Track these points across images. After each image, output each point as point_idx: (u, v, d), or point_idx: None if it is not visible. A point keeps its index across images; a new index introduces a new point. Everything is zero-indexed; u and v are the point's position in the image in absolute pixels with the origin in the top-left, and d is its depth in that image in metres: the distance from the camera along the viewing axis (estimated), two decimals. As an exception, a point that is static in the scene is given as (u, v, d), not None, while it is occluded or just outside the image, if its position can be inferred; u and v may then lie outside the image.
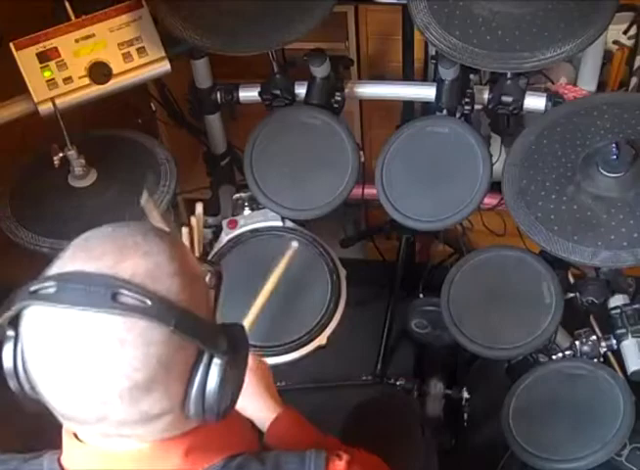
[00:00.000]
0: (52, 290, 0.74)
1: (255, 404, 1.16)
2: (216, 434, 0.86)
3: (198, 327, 0.77)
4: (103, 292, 0.73)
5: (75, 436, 0.83)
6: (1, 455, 0.89)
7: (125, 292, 0.74)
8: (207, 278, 0.87)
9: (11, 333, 0.77)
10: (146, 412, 0.77)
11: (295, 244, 1.65)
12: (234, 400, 0.84)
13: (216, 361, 0.79)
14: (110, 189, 1.68)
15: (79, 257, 0.78)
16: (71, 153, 1.60)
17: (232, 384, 0.82)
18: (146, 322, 0.74)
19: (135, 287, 0.75)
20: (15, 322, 0.77)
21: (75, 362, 0.74)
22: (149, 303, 0.74)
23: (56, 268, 0.78)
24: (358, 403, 1.49)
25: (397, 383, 1.82)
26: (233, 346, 0.81)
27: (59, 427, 0.84)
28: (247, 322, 1.51)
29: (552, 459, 1.55)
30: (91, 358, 0.73)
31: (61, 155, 1.59)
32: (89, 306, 0.73)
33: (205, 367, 0.78)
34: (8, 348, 0.78)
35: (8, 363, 0.79)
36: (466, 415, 1.86)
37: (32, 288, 0.75)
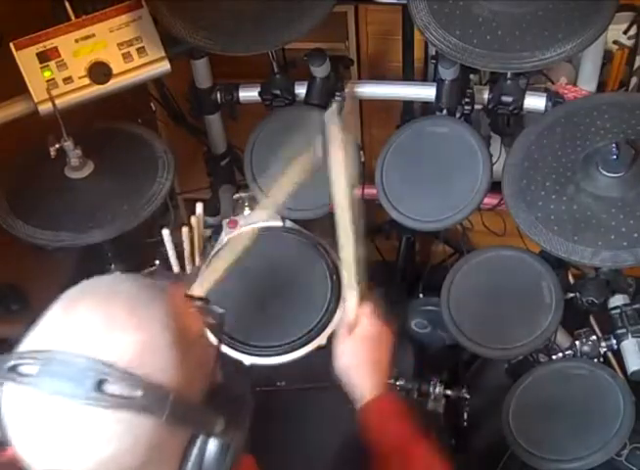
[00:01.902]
0: (32, 370, 0.69)
1: (358, 376, 1.11)
2: None
3: (191, 413, 0.73)
4: (87, 381, 0.68)
5: None
6: None
7: (111, 380, 0.68)
8: (209, 322, 0.80)
9: None
10: None
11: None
12: (235, 465, 0.79)
13: (212, 441, 0.75)
14: (106, 181, 1.67)
15: (64, 329, 0.72)
16: (68, 144, 1.59)
17: (230, 455, 0.77)
18: (135, 415, 0.69)
19: (122, 374, 0.68)
20: None
21: (58, 452, 0.70)
22: (138, 393, 0.68)
23: (38, 339, 0.72)
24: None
25: (397, 383, 1.82)
26: (231, 415, 0.76)
27: None
28: (248, 318, 1.49)
29: (552, 459, 1.54)
30: (74, 451, 0.69)
31: (57, 146, 1.58)
32: (72, 398, 0.68)
33: (201, 448, 0.75)
34: None
35: None
36: (466, 415, 1.85)
37: (11, 363, 0.70)
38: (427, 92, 1.76)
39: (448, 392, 1.85)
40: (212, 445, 0.75)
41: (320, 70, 1.74)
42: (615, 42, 1.83)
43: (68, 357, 0.69)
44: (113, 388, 0.68)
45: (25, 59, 1.61)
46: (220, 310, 0.82)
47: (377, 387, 1.10)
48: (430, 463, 1.05)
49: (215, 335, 0.82)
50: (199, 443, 0.75)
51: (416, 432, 1.07)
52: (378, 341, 1.13)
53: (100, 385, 0.68)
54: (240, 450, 0.79)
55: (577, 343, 1.65)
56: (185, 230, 1.66)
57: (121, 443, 0.69)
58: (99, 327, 0.71)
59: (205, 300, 0.84)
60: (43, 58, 1.62)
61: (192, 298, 0.84)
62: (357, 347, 1.12)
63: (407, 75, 1.98)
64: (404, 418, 1.08)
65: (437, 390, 1.85)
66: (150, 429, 0.70)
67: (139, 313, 0.73)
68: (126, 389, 0.68)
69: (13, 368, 0.70)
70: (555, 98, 1.68)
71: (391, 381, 1.83)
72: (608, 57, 1.81)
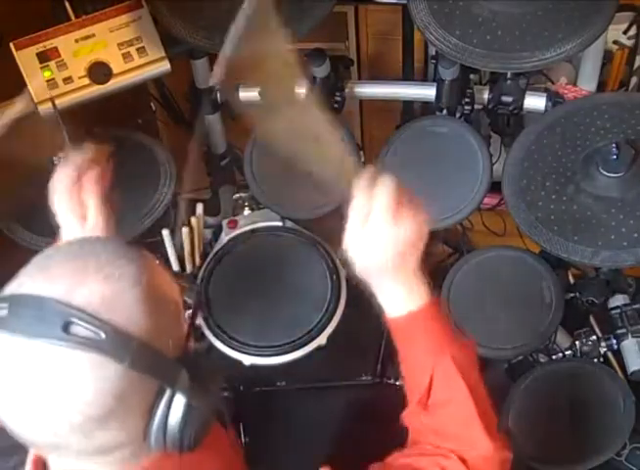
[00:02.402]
0: (3, 313, 0.71)
1: (385, 279, 0.92)
2: (183, 463, 0.82)
3: (156, 363, 0.73)
4: (55, 321, 0.69)
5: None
6: None
7: (78, 322, 0.70)
8: (186, 297, 0.82)
9: None
10: (101, 445, 0.74)
11: None
12: (201, 433, 0.78)
13: (179, 397, 0.75)
14: (109, 188, 1.67)
15: (37, 275, 0.74)
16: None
17: (197, 418, 0.77)
18: (99, 357, 0.70)
19: (88, 317, 0.70)
20: None
21: (26, 393, 0.71)
22: (102, 335, 0.70)
23: (13, 285, 0.74)
24: (364, 403, 1.49)
25: (397, 383, 1.82)
26: (198, 377, 0.76)
27: None
28: (248, 318, 1.49)
29: (552, 459, 1.55)
30: (41, 391, 0.70)
31: (61, 154, 1.59)
32: (39, 337, 0.69)
33: (167, 404, 0.75)
34: None
35: None
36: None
37: None
38: (427, 92, 1.76)
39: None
40: (178, 404, 0.75)
41: (320, 71, 1.74)
42: (615, 42, 1.83)
43: (37, 300, 0.71)
44: (78, 329, 0.70)
45: (25, 59, 1.61)
46: (196, 286, 0.83)
47: (410, 292, 0.93)
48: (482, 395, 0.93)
49: (191, 308, 0.83)
50: (164, 400, 0.74)
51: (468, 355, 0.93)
52: (403, 226, 0.90)
53: (67, 326, 0.69)
54: (208, 417, 0.79)
55: (577, 343, 1.65)
56: (185, 230, 1.66)
57: (86, 386, 0.70)
58: (69, 276, 0.73)
59: (183, 277, 0.84)
60: (43, 58, 1.62)
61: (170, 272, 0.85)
62: (376, 239, 0.88)
63: (407, 75, 1.98)
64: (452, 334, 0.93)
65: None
66: (113, 374, 0.70)
67: (111, 267, 0.74)
68: (92, 331, 0.70)
69: None
70: (555, 98, 1.68)
71: (392, 381, 1.84)
72: (608, 57, 1.81)
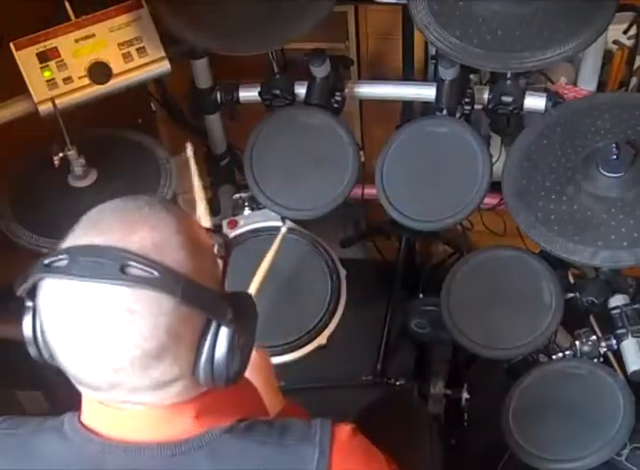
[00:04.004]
0: (64, 263, 0.77)
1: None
2: (227, 398, 0.88)
3: (204, 297, 0.80)
4: (112, 264, 0.76)
5: (95, 400, 0.86)
6: (19, 417, 0.92)
7: (133, 264, 0.76)
8: (216, 249, 0.90)
9: (29, 304, 0.82)
10: (156, 379, 0.79)
11: (284, 229, 1.66)
12: (243, 367, 0.87)
13: (224, 330, 0.81)
14: (109, 189, 1.67)
15: (90, 230, 0.81)
16: (71, 153, 1.61)
17: (240, 351, 0.84)
18: (153, 293, 0.76)
19: (142, 259, 0.77)
20: (32, 293, 0.81)
21: (88, 332, 0.77)
22: (156, 274, 0.77)
23: (69, 241, 0.81)
24: (367, 402, 1.49)
25: (397, 383, 1.82)
26: (240, 313, 0.84)
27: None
28: None
29: (552, 459, 1.54)
30: (102, 328, 0.76)
31: (61, 155, 1.59)
32: (99, 279, 0.76)
33: (213, 336, 0.81)
34: (27, 318, 0.83)
35: (28, 332, 0.83)
36: (466, 415, 1.86)
37: (46, 261, 0.79)
38: (427, 92, 1.76)
39: (448, 392, 1.86)
40: (223, 337, 0.81)
41: (320, 70, 1.74)
42: (615, 42, 1.83)
43: (95, 248, 0.78)
44: (134, 271, 0.77)
45: (25, 59, 1.61)
46: (225, 234, 0.90)
47: (279, 401, 1.16)
48: None
49: (222, 258, 0.91)
50: (211, 333, 0.80)
51: None
52: (260, 364, 1.17)
53: (123, 268, 0.76)
54: (249, 353, 0.88)
55: (577, 343, 1.65)
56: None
57: (143, 320, 0.76)
58: (120, 228, 0.80)
59: (210, 228, 0.95)
60: (43, 58, 1.62)
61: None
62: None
63: (407, 75, 1.98)
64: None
65: (437, 390, 1.85)
66: (167, 308, 0.77)
67: (157, 216, 0.82)
68: (146, 271, 0.77)
69: (48, 265, 0.79)
70: (555, 98, 1.68)
71: (392, 381, 1.84)
72: (608, 57, 1.81)
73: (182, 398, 0.84)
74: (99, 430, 0.86)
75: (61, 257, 0.78)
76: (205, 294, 0.80)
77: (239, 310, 0.84)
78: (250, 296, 0.91)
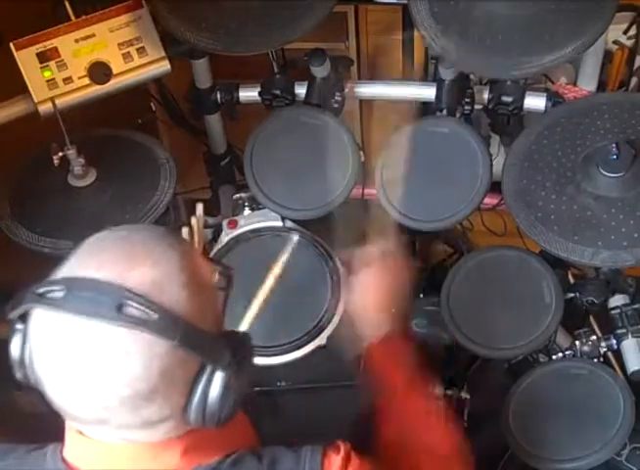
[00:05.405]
0: (60, 294, 0.75)
1: (366, 314, 1.14)
2: (215, 434, 0.86)
3: (201, 341, 0.78)
4: (109, 302, 0.74)
5: (79, 431, 0.85)
6: (5, 445, 0.91)
7: (131, 303, 0.75)
8: (217, 280, 0.88)
9: (19, 326, 0.80)
10: (146, 418, 0.78)
11: (295, 237, 1.67)
12: (235, 408, 0.84)
13: (219, 374, 0.80)
14: (109, 189, 1.67)
15: (90, 260, 0.79)
16: (71, 152, 1.60)
17: (234, 393, 0.82)
18: (150, 335, 0.75)
19: (141, 298, 0.75)
20: (23, 317, 0.79)
21: (80, 369, 0.75)
22: (154, 316, 0.75)
23: (66, 270, 0.79)
24: (367, 402, 1.48)
25: (397, 383, 1.82)
26: (237, 355, 0.82)
27: (57, 429, 0.86)
28: (248, 318, 1.52)
29: (552, 459, 1.54)
30: (95, 367, 0.75)
31: (60, 154, 1.59)
32: (94, 317, 0.74)
33: (208, 379, 0.79)
34: (16, 340, 0.81)
35: (15, 354, 0.81)
36: (466, 415, 1.85)
37: (41, 290, 0.77)
38: (427, 92, 1.76)
39: (448, 392, 1.85)
40: (218, 381, 0.80)
41: (320, 70, 1.74)
42: (615, 42, 1.82)
43: (93, 283, 0.76)
44: (132, 310, 0.75)
45: (25, 59, 1.61)
46: (230, 267, 0.90)
47: (382, 327, 1.13)
48: (422, 413, 1.09)
49: (224, 287, 0.89)
50: (205, 377, 0.79)
51: (412, 380, 1.12)
52: (390, 278, 1.15)
53: (120, 307, 0.74)
54: (243, 395, 0.85)
55: (577, 343, 1.65)
56: (185, 230, 1.65)
57: (137, 362, 0.74)
58: (121, 262, 0.78)
59: (215, 260, 0.94)
60: (43, 58, 1.62)
61: (206, 256, 0.95)
62: (367, 283, 1.14)
63: (407, 75, 1.98)
64: (402, 365, 1.13)
65: (437, 390, 1.85)
66: (163, 351, 0.75)
67: (157, 254, 0.80)
68: (144, 312, 0.75)
69: (42, 294, 0.76)
70: (555, 98, 1.68)
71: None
72: (608, 57, 1.81)
73: (170, 435, 0.83)
74: (82, 468, 0.84)
75: (57, 287, 0.76)
76: (203, 338, 0.78)
77: (236, 352, 0.82)
78: (248, 336, 0.88)
